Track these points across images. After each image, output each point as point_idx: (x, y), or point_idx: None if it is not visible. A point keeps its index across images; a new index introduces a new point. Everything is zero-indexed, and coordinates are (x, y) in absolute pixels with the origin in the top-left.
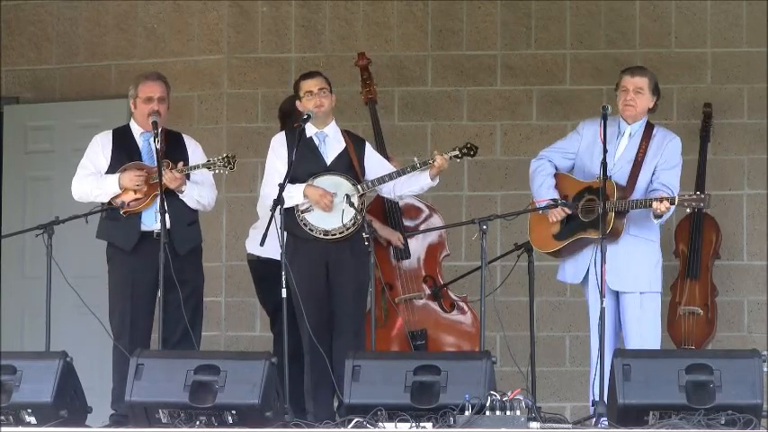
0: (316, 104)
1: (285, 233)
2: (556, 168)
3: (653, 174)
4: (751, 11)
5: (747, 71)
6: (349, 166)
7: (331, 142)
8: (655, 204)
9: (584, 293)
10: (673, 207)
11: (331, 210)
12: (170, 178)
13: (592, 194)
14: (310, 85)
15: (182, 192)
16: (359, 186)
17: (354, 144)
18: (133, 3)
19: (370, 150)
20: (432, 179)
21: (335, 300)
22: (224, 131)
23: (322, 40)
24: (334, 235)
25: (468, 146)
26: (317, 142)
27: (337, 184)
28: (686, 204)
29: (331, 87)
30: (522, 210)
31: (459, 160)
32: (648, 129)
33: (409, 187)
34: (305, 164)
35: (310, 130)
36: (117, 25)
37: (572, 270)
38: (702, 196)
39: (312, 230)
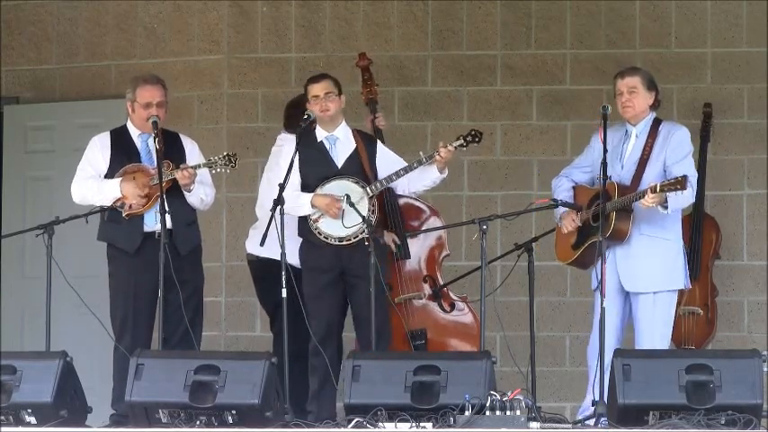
0: (321, 109)
1: (300, 237)
2: (575, 183)
3: (664, 171)
4: (751, 11)
5: (747, 71)
6: (359, 168)
7: (341, 145)
8: (642, 202)
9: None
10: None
11: (340, 216)
12: (183, 175)
13: (598, 199)
14: (317, 89)
15: (190, 191)
16: (367, 189)
17: (365, 144)
18: (133, 3)
19: (381, 149)
20: (441, 172)
21: (354, 302)
22: (224, 131)
23: (322, 40)
24: (349, 241)
25: (473, 133)
26: (327, 146)
27: (345, 188)
28: (666, 189)
29: (340, 89)
30: (522, 210)
31: (465, 149)
32: (655, 125)
33: (422, 183)
34: (316, 168)
35: (320, 133)
36: (117, 25)
37: (593, 276)
38: (680, 179)
39: (327, 238)
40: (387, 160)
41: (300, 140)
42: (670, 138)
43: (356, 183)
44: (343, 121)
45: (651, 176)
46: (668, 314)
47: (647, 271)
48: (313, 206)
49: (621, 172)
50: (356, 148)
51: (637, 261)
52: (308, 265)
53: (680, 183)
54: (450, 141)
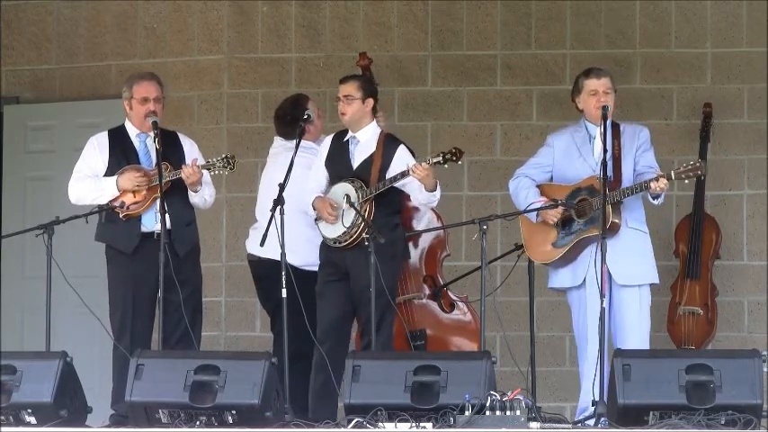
0: (340, 112)
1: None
2: (536, 182)
3: (634, 163)
4: (751, 11)
5: (747, 71)
6: (369, 172)
7: (361, 147)
8: (653, 185)
9: (570, 296)
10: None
11: (335, 221)
12: (190, 172)
13: (582, 193)
14: (341, 90)
15: (197, 191)
16: (360, 192)
17: (384, 149)
18: (133, 3)
19: (400, 156)
20: (428, 191)
21: (357, 304)
22: (224, 131)
23: (322, 40)
24: (344, 241)
25: (453, 151)
26: (350, 146)
27: (347, 191)
28: (684, 176)
29: (368, 92)
30: (522, 210)
31: (446, 166)
32: (615, 127)
33: (416, 200)
34: (337, 167)
35: (349, 133)
36: (117, 25)
37: (570, 275)
38: (698, 164)
39: (326, 240)
40: (401, 168)
41: (334, 141)
42: (638, 136)
43: (355, 186)
44: (371, 124)
45: (627, 172)
46: (649, 308)
47: (635, 263)
48: (314, 208)
49: (596, 168)
50: (372, 154)
51: (625, 253)
52: (323, 269)
53: (699, 167)
54: (436, 152)
